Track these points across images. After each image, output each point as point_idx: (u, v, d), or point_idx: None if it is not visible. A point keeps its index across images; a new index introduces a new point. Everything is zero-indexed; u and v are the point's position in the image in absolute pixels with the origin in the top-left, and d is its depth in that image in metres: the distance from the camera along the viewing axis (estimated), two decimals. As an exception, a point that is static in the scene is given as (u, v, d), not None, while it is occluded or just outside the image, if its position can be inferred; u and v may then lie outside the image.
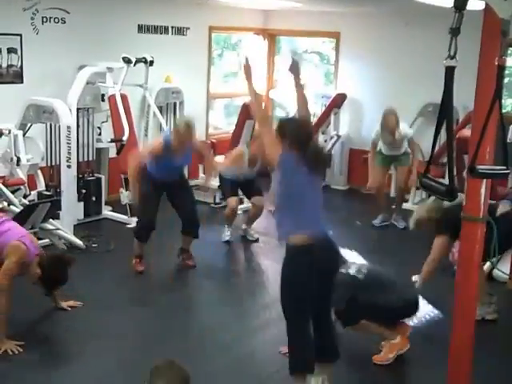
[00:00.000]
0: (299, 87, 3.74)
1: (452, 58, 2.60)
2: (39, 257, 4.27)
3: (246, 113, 7.97)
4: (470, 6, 2.57)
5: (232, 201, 6.41)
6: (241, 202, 7.00)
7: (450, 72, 2.62)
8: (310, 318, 3.53)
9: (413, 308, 4.29)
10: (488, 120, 2.61)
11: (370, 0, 6.91)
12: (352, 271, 4.18)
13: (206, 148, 5.85)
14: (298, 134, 3.43)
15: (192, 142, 5.25)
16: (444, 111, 2.72)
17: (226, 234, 6.50)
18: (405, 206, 7.42)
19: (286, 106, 10.24)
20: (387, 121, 6.72)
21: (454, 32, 2.58)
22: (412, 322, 4.48)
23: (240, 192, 6.66)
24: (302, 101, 3.74)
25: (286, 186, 3.44)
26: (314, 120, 8.92)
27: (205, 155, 6.02)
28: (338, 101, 8.73)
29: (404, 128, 6.90)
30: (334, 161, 8.97)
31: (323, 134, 8.81)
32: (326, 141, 8.76)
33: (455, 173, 2.92)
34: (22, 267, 4.18)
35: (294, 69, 3.72)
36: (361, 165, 7.95)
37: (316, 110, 8.99)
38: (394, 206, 7.33)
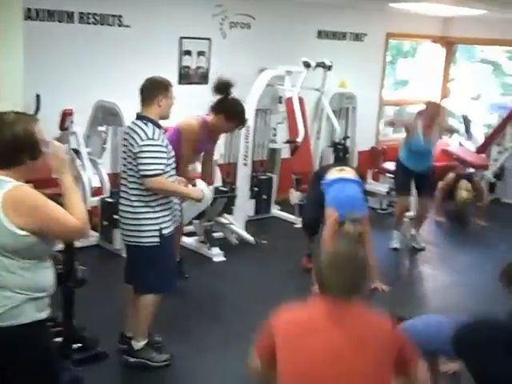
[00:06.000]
0: None
1: None
2: None
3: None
4: None
5: (403, 200, 6.42)
6: (407, 209, 6.92)
7: None
8: None
9: None
10: None
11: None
12: None
13: None
14: None
15: None
16: None
17: (395, 241, 6.46)
18: None
19: (458, 115, 9.99)
20: None
21: None
22: None
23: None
24: None
25: None
26: (488, 131, 8.67)
27: None
28: (516, 112, 8.37)
29: None
30: (507, 173, 8.63)
31: (498, 145, 8.50)
32: (500, 152, 8.46)
33: None
34: None
35: None
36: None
37: (492, 121, 8.70)
38: None
